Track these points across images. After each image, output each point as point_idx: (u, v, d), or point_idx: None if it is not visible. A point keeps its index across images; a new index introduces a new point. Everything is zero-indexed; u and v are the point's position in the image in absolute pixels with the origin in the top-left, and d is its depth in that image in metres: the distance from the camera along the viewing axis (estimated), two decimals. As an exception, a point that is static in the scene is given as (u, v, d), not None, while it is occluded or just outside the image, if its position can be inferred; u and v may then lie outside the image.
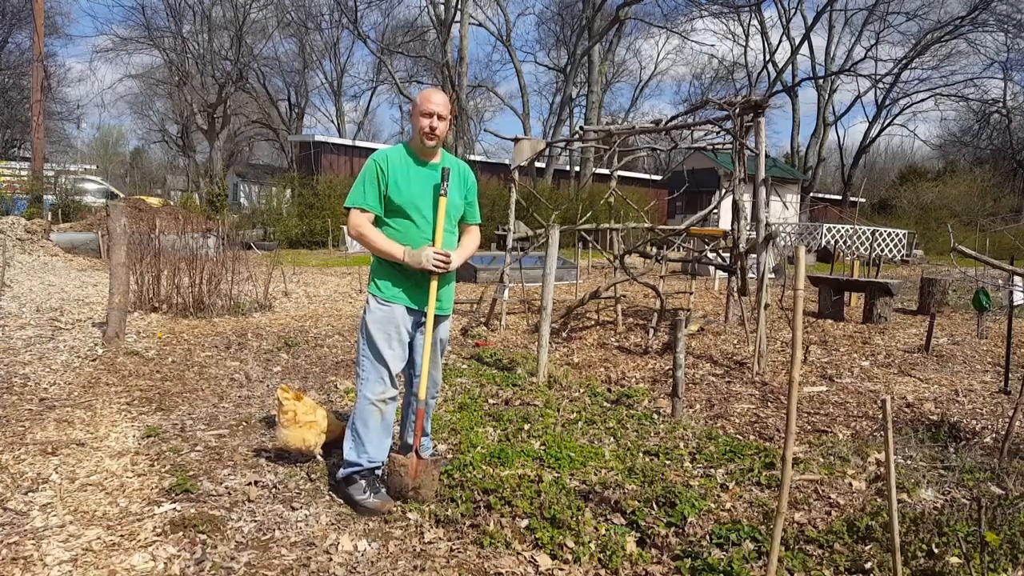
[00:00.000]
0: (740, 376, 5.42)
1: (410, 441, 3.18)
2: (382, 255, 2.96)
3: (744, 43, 37.37)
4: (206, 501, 2.96)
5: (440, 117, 2.92)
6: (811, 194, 30.20)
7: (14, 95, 31.51)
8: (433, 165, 3.02)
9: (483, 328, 7.25)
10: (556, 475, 3.25)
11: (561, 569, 2.49)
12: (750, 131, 5.57)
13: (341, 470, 3.06)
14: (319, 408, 3.47)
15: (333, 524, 2.80)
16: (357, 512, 2.91)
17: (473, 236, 3.21)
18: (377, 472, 3.06)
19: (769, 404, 4.66)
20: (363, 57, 79.21)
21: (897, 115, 35.64)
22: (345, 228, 17.53)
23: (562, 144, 17.09)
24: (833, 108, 34.70)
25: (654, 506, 2.92)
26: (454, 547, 2.63)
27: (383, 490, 3.00)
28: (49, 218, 16.78)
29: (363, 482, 2.99)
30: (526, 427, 3.95)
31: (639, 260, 13.19)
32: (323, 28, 35.92)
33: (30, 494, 2.96)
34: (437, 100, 2.93)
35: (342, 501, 3.03)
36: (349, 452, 3.02)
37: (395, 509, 2.91)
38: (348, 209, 2.99)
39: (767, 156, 5.61)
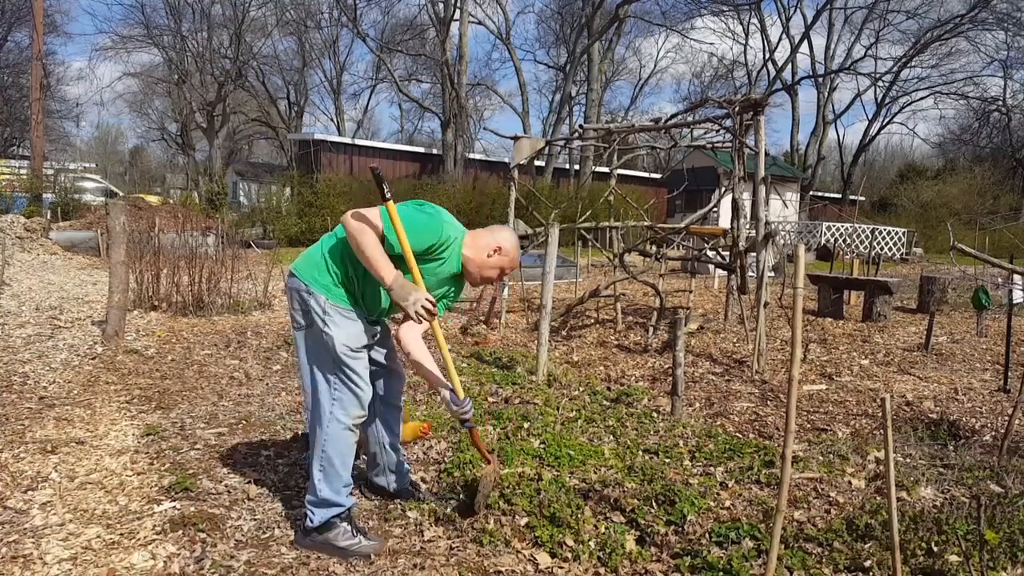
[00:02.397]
0: (740, 374, 5.42)
1: (376, 454, 2.93)
2: (367, 263, 2.45)
3: (744, 41, 37.19)
4: (206, 499, 2.96)
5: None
6: (811, 192, 30.19)
7: (13, 93, 31.46)
8: (457, 278, 2.75)
9: (482, 326, 7.25)
10: (555, 473, 3.25)
11: (560, 567, 2.49)
12: (750, 129, 5.57)
13: (314, 516, 2.55)
14: None
15: (333, 522, 2.80)
16: (345, 559, 2.51)
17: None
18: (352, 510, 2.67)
19: (768, 402, 4.66)
20: (362, 55, 79.00)
21: (897, 113, 35.62)
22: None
23: (562, 142, 17.07)
24: (833, 106, 34.68)
25: (653, 504, 2.92)
26: (453, 545, 2.63)
27: (363, 529, 2.66)
28: (48, 216, 16.77)
29: (346, 524, 2.57)
30: (525, 425, 3.95)
31: (639, 258, 13.18)
32: (322, 26, 35.85)
33: (30, 492, 2.96)
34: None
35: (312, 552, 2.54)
36: (322, 490, 2.55)
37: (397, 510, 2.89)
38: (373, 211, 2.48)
39: (767, 154, 5.61)
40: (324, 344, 2.55)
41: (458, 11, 27.49)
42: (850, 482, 3.20)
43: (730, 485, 3.15)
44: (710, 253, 8.20)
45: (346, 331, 2.55)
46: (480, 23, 33.17)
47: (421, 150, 30.45)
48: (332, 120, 40.25)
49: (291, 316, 2.67)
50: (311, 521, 2.56)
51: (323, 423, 2.56)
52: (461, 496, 2.89)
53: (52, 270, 11.19)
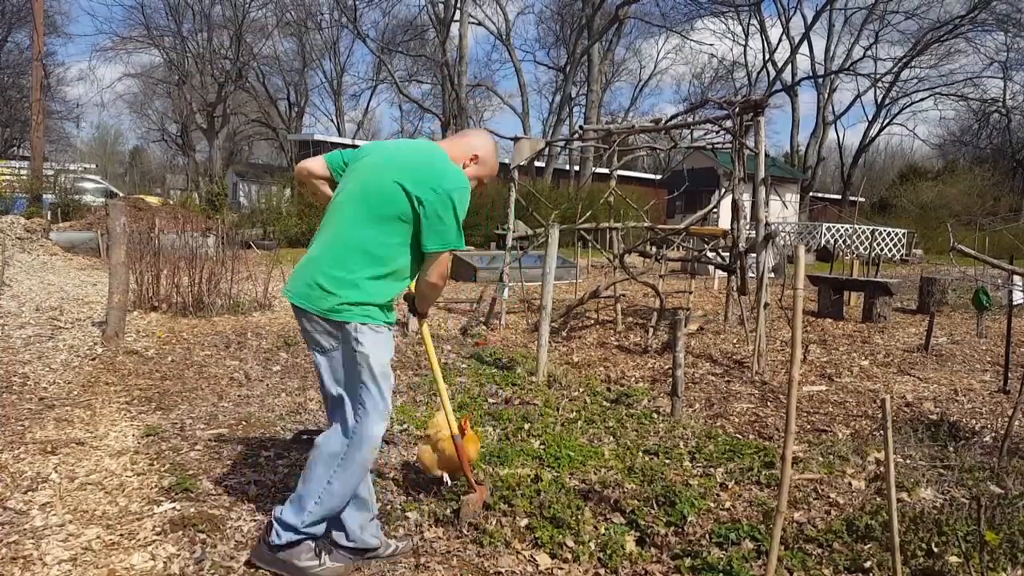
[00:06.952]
0: (740, 375, 5.42)
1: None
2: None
3: (744, 43, 37.29)
4: (206, 500, 2.96)
5: None
6: (811, 193, 30.22)
7: (13, 94, 31.51)
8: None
9: (483, 327, 7.25)
10: (556, 474, 3.25)
11: (561, 568, 2.49)
12: (750, 130, 5.57)
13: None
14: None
15: (333, 523, 2.80)
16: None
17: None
18: None
19: (768, 403, 4.66)
20: (363, 56, 79.27)
21: (897, 114, 35.73)
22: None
23: (562, 143, 17.10)
24: (833, 107, 34.75)
25: (654, 505, 2.92)
26: (454, 546, 2.63)
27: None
28: (48, 217, 16.74)
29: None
30: (526, 426, 3.95)
31: (639, 259, 13.18)
32: (323, 27, 35.95)
33: (30, 493, 2.96)
34: None
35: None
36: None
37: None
38: (449, 251, 2.31)
39: (766, 155, 5.61)
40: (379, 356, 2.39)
41: (458, 12, 27.53)
42: (850, 483, 3.20)
43: (730, 486, 3.15)
44: (710, 254, 8.21)
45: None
46: (480, 24, 33.24)
47: (421, 151, 30.38)
48: (332, 121, 40.34)
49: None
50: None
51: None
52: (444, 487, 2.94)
53: (52, 271, 11.18)
